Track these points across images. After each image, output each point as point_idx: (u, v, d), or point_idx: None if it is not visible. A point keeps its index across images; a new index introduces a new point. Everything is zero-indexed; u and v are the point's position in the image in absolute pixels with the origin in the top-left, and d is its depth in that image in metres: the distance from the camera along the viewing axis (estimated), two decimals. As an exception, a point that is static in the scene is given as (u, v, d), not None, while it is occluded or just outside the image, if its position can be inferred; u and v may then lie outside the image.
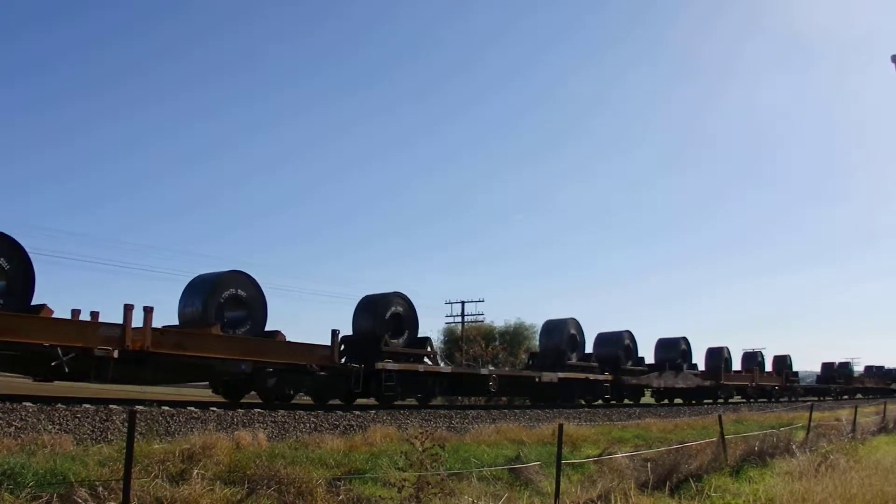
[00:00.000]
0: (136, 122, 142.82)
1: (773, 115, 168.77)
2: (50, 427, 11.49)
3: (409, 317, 22.45)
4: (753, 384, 43.42)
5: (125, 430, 7.34)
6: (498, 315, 60.82)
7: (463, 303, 53.28)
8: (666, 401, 36.78)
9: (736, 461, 12.86)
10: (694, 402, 36.31)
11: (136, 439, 6.43)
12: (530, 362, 30.06)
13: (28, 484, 6.88)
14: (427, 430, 9.61)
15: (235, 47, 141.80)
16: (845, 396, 56.89)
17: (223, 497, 7.40)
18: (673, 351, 37.28)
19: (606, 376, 30.10)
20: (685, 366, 36.97)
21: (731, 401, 40.16)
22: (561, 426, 9.73)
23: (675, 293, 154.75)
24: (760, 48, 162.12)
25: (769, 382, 46.62)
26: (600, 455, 12.55)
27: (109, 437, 11.39)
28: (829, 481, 9.74)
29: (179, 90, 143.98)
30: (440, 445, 8.60)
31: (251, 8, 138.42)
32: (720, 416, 15.34)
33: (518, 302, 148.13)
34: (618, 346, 32.99)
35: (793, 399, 48.21)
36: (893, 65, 18.22)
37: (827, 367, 62.39)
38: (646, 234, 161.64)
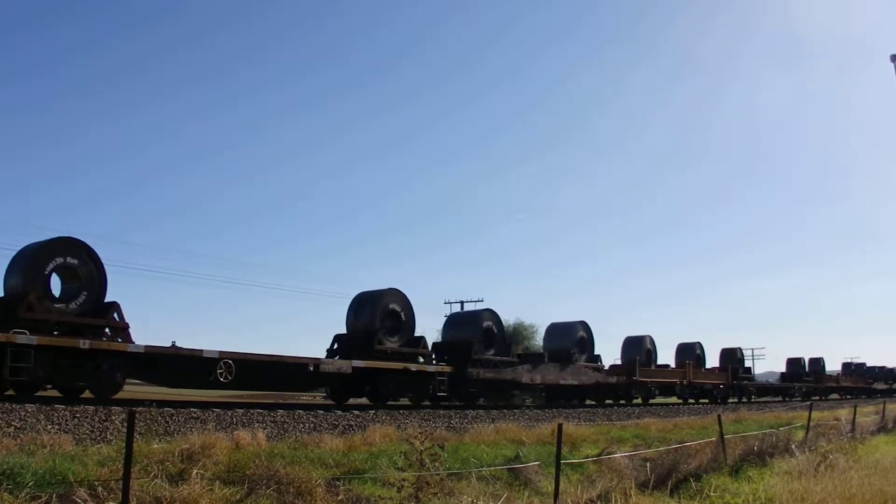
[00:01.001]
0: (135, 122, 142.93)
1: (772, 115, 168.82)
2: (49, 427, 11.49)
3: (87, 274, 16.37)
4: (685, 382, 36.10)
5: (124, 430, 7.34)
6: (497, 315, 60.74)
7: (462, 302, 53.43)
8: (563, 399, 28.95)
9: (735, 461, 12.87)
10: (592, 402, 29.57)
11: (135, 439, 6.42)
12: (334, 346, 22.41)
13: (27, 484, 6.88)
14: (426, 430, 9.62)
15: (234, 47, 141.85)
16: (815, 397, 49.45)
17: (222, 497, 7.39)
18: (565, 339, 30.13)
19: (442, 367, 22.61)
20: (583, 357, 29.90)
21: (652, 402, 33.32)
22: (560, 426, 9.74)
23: (676, 292, 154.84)
24: (760, 48, 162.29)
25: (708, 380, 39.27)
26: (599, 455, 12.56)
27: (108, 437, 11.39)
28: (829, 481, 9.76)
29: (179, 90, 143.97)
30: (439, 445, 8.60)
31: (250, 8, 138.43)
32: (719, 416, 15.36)
33: (517, 302, 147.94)
34: (472, 329, 25.41)
35: (743, 400, 42.04)
36: (892, 64, 18.31)
37: (794, 363, 54.93)
38: (646, 233, 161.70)
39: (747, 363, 51.07)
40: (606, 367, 32.59)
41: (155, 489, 7.09)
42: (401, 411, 19.15)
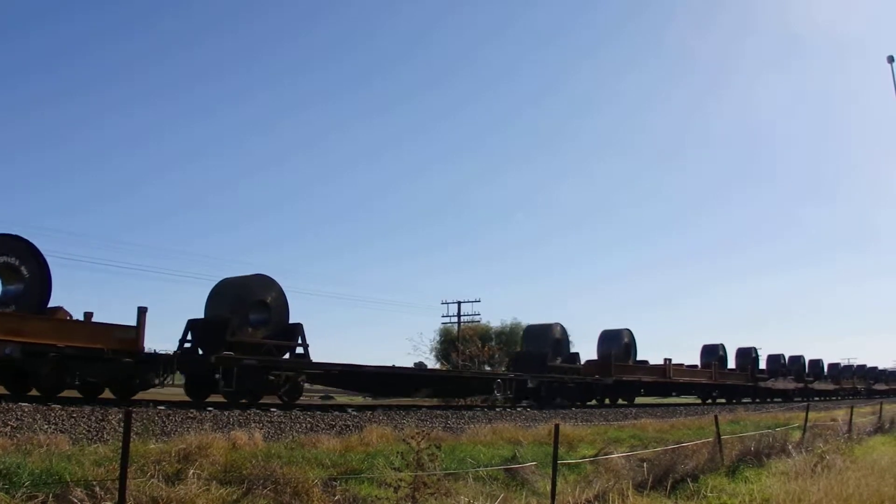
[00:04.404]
0: (134, 121, 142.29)
1: (770, 115, 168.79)
2: (46, 427, 11.48)
3: None
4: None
5: (121, 429, 7.33)
6: (494, 315, 61.01)
7: (459, 303, 53.55)
8: None
9: (732, 461, 12.88)
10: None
11: (131, 439, 6.41)
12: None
13: (24, 484, 6.87)
14: (423, 430, 9.61)
15: (232, 46, 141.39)
16: (573, 404, 27.66)
17: (219, 497, 7.38)
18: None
19: None
20: None
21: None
22: (557, 426, 9.76)
23: (676, 292, 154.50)
24: (758, 47, 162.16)
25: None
26: (596, 455, 12.56)
27: (105, 436, 11.38)
28: (826, 481, 9.76)
29: (178, 89, 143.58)
30: (436, 445, 8.60)
31: (246, 7, 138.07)
32: (716, 417, 15.38)
33: (515, 303, 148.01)
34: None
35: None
36: (890, 65, 18.42)
37: (536, 336, 31.95)
38: (645, 232, 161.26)
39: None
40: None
41: (152, 489, 7.08)
42: (398, 411, 19.15)
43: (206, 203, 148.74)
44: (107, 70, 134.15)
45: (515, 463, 10.94)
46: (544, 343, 30.88)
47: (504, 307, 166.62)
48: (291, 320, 21.29)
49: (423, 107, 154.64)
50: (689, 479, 10.69)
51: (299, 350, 20.91)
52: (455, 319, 54.06)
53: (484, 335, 53.19)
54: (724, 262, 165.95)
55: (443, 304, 54.87)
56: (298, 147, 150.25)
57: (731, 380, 41.83)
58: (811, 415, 19.82)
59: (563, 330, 31.69)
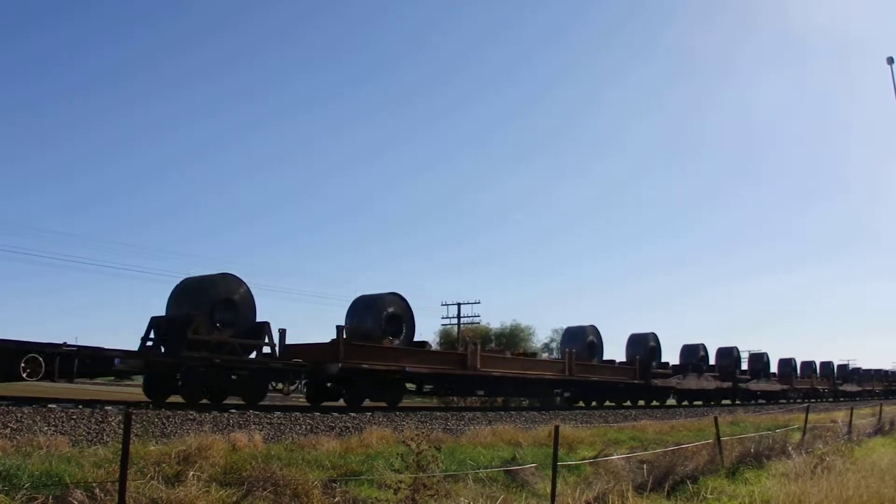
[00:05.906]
0: (132, 121, 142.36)
1: (769, 115, 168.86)
2: (45, 428, 11.48)
3: None
4: None
5: (121, 431, 7.33)
6: (494, 317, 61.06)
7: (459, 304, 53.47)
8: None
9: (732, 463, 12.87)
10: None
11: (131, 441, 6.41)
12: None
13: (24, 485, 6.87)
14: (423, 432, 9.61)
15: (232, 46, 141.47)
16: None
17: (219, 499, 7.38)
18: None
19: None
20: None
21: None
22: (557, 428, 9.76)
23: (675, 292, 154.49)
24: (757, 47, 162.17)
25: None
26: (596, 457, 12.56)
27: (105, 438, 11.38)
28: (826, 483, 9.75)
29: (178, 89, 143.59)
30: (436, 447, 8.60)
31: (246, 7, 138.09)
32: (716, 418, 15.37)
33: (514, 304, 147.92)
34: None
35: None
36: (889, 67, 18.46)
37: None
38: (643, 233, 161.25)
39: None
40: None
41: (151, 491, 7.08)
42: (398, 413, 19.15)
43: (203, 203, 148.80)
44: (107, 70, 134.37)
45: (515, 464, 10.93)
46: (196, 304, 18.02)
47: (503, 309, 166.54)
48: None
49: (422, 107, 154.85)
50: (688, 481, 10.68)
51: None
52: (455, 321, 54.02)
53: (484, 337, 53.20)
54: (724, 262, 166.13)
55: (442, 305, 54.80)
56: (298, 147, 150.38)
57: (599, 375, 30.12)
58: (811, 416, 19.83)
59: (247, 292, 18.88)
